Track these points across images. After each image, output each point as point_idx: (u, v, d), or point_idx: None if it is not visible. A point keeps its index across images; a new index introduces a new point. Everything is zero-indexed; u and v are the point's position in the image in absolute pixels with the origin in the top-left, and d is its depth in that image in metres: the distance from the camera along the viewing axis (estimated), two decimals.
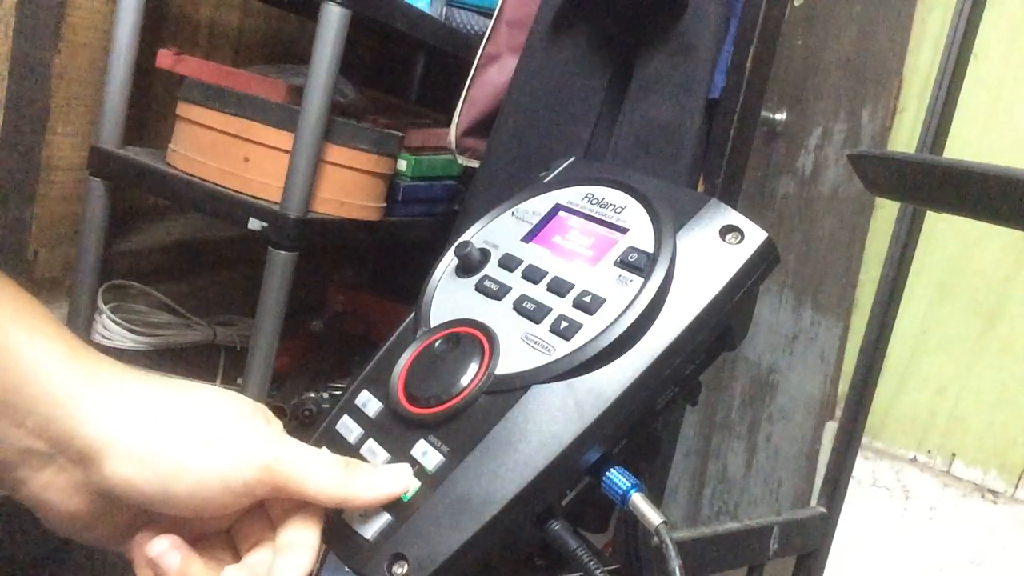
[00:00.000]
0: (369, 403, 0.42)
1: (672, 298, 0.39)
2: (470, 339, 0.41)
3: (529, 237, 0.46)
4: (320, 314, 1.46)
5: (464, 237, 0.47)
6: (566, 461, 0.36)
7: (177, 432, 0.36)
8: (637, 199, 0.44)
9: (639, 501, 0.37)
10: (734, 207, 0.41)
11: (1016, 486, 1.35)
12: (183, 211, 1.26)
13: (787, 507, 1.37)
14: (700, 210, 0.41)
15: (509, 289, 0.43)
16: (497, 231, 0.47)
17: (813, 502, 1.14)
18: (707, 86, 0.78)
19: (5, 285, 0.37)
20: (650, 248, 0.41)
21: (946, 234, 1.37)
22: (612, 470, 0.38)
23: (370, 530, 0.37)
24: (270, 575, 0.35)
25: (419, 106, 1.49)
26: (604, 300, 0.39)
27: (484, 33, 0.92)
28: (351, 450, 0.41)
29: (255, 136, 0.96)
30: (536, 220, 0.46)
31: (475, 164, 0.92)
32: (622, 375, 0.37)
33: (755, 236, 0.40)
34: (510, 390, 0.38)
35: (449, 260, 0.47)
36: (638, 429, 0.40)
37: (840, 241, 1.35)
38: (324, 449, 0.39)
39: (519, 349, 0.39)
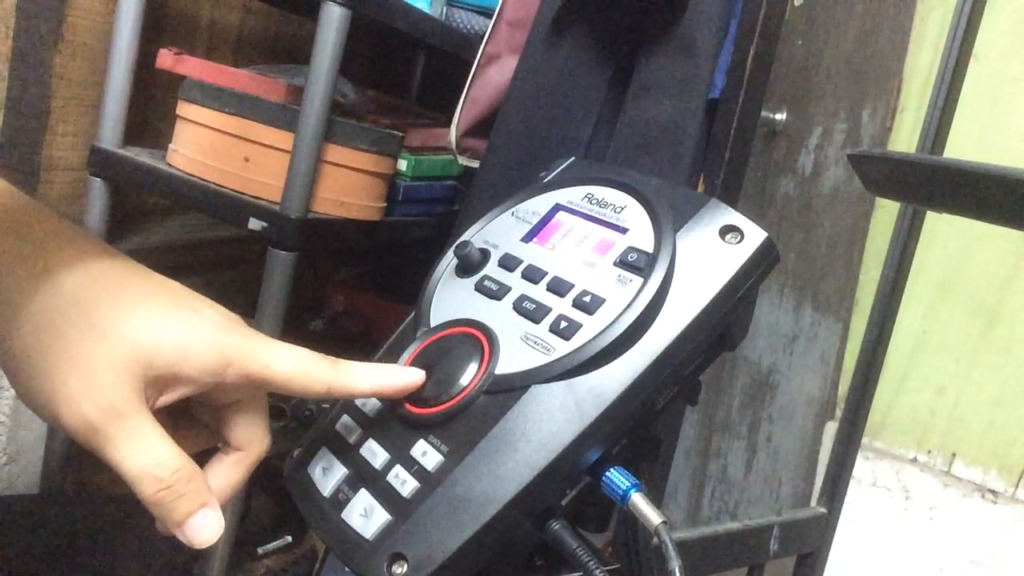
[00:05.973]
0: (368, 403, 0.42)
1: (672, 298, 0.39)
2: (470, 339, 0.41)
3: (529, 237, 0.46)
4: (320, 314, 1.46)
5: (464, 237, 0.47)
6: (566, 461, 0.36)
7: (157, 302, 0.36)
8: (637, 199, 0.44)
9: (639, 501, 0.37)
10: (734, 207, 0.41)
11: (1016, 486, 1.35)
12: (183, 211, 1.26)
13: (787, 507, 1.37)
14: (700, 210, 0.41)
15: (509, 289, 0.43)
16: (497, 231, 0.47)
17: (813, 502, 1.14)
18: (707, 86, 0.78)
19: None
20: (650, 248, 0.41)
21: (946, 234, 1.36)
22: (612, 470, 0.38)
23: (370, 530, 0.37)
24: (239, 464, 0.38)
25: (419, 106, 1.49)
26: (604, 300, 0.39)
27: (484, 33, 0.92)
28: (351, 450, 0.41)
29: (255, 136, 0.96)
30: (536, 220, 0.46)
31: (475, 164, 0.92)
32: (622, 375, 0.37)
33: (755, 236, 0.39)
34: (510, 390, 0.38)
35: (449, 260, 0.47)
36: (638, 429, 0.40)
37: (840, 241, 1.35)
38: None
39: (519, 349, 0.39)
